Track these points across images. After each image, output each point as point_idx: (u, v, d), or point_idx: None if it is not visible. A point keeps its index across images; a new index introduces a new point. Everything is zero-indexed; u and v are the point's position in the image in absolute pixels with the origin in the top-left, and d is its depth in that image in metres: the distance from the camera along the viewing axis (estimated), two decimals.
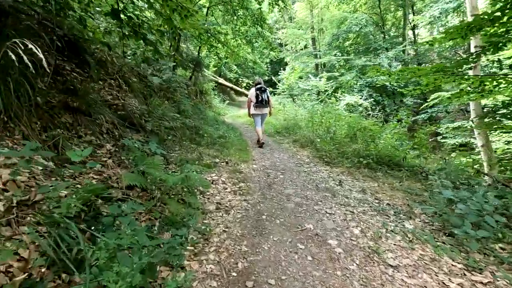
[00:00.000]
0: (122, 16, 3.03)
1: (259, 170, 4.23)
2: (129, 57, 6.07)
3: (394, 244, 2.24)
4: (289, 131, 7.63)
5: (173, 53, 7.09)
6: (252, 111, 6.05)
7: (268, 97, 5.92)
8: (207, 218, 2.50)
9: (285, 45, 21.99)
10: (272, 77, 15.41)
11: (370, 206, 3.00)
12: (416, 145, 4.70)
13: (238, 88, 16.30)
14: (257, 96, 5.86)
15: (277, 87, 14.47)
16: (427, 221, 2.70)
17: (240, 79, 17.21)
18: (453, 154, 6.98)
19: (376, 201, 3.17)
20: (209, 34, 8.92)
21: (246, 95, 14.47)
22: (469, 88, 4.21)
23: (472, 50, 7.90)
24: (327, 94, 12.69)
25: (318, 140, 5.60)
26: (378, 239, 2.30)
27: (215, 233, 2.26)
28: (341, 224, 2.54)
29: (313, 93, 12.79)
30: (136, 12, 3.83)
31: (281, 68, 19.28)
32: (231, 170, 3.99)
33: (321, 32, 18.51)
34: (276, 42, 23.52)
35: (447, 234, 2.44)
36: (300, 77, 15.51)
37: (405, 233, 2.44)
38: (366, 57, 15.54)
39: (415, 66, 4.43)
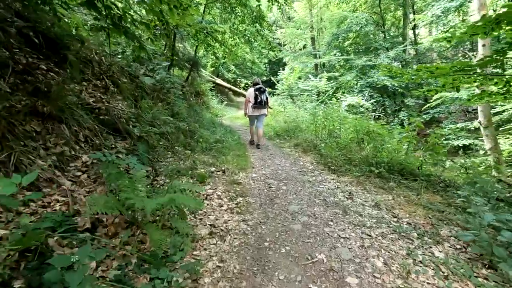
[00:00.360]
0: (99, 5, 2.57)
1: (259, 180, 3.78)
2: (119, 56, 5.60)
3: (428, 283, 1.80)
4: (290, 134, 7.19)
5: (165, 51, 6.62)
6: (250, 112, 5.84)
7: (267, 98, 5.75)
8: (198, 248, 2.05)
9: (284, 45, 21.54)
10: (271, 77, 14.95)
11: (389, 226, 2.56)
12: (431, 151, 4.26)
13: (236, 89, 15.81)
14: (256, 97, 5.63)
15: (276, 87, 14.02)
16: (458, 246, 2.26)
17: (238, 79, 16.73)
18: (467, 159, 6.54)
19: (394, 219, 2.73)
20: (206, 33, 8.47)
21: (245, 96, 13.96)
22: (493, 90, 3.79)
23: (480, 48, 7.48)
24: (328, 95, 12.26)
25: (323, 145, 5.16)
26: (407, 275, 1.86)
27: (207, 269, 1.81)
28: (358, 253, 2.10)
29: (313, 94, 12.35)
30: (119, 4, 3.36)
31: (280, 69, 18.83)
32: (228, 181, 3.54)
33: (321, 32, 18.08)
34: (275, 42, 23.09)
35: (486, 266, 2.01)
36: (299, 77, 15.07)
37: (436, 264, 2.00)
38: (367, 57, 15.12)
39: (433, 64, 4.01)
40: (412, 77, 3.88)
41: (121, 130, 3.48)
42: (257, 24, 8.04)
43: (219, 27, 8.82)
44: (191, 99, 10.85)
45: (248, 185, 3.55)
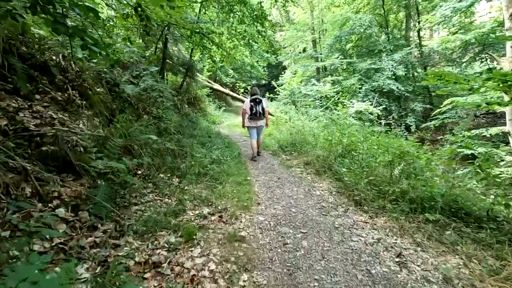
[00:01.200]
0: None
1: (268, 229, 2.72)
2: (94, 60, 4.53)
3: None
4: (297, 148, 6.14)
5: (148, 54, 5.56)
6: (247, 123, 5.59)
7: (263, 108, 5.43)
8: None
9: (284, 48, 20.51)
10: (272, 81, 13.87)
11: None
12: (484, 180, 3.23)
13: (234, 94, 14.69)
14: (251, 108, 5.34)
15: (277, 92, 12.95)
16: None
17: (237, 84, 15.54)
18: None
19: None
20: (201, 34, 7.44)
21: (243, 101, 12.87)
22: None
23: (508, 50, 6.57)
24: (333, 101, 11.22)
25: (344, 169, 4.10)
26: None
27: None
28: None
29: (317, 99, 11.33)
30: None
31: (281, 72, 17.76)
32: (225, 235, 2.47)
33: (322, 34, 17.08)
34: (276, 44, 22.05)
35: None
36: (300, 81, 14.03)
37: None
38: (371, 59, 14.10)
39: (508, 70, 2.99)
40: (473, 87, 2.85)
41: (74, 166, 2.41)
42: (257, 24, 7.00)
43: (216, 28, 7.79)
44: (186, 107, 9.80)
45: (254, 241, 2.48)
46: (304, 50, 19.10)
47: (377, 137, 5.08)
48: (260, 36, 7.17)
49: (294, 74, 12.94)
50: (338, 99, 11.07)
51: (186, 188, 3.47)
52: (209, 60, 8.50)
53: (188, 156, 4.47)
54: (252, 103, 5.33)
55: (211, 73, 11.57)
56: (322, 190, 3.87)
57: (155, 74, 5.93)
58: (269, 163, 5.38)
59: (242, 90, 14.76)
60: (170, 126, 4.83)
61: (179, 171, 3.89)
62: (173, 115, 5.39)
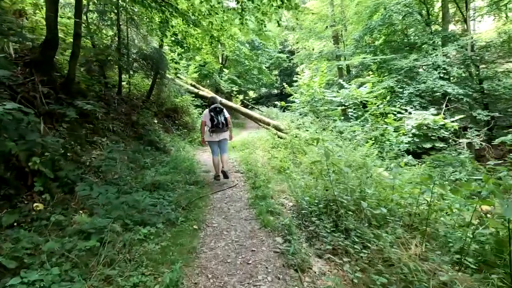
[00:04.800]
0: None
1: None
2: None
3: None
4: (349, 232, 2.02)
5: None
6: (208, 137, 4.14)
7: (226, 119, 4.12)
8: None
9: (297, 51, 16.46)
10: (285, 85, 9.80)
11: None
12: None
13: (230, 103, 10.47)
14: (212, 119, 3.97)
15: (293, 100, 8.89)
16: None
17: (235, 90, 11.47)
18: None
19: None
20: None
21: (241, 111, 8.88)
22: None
23: None
24: (373, 110, 6.95)
25: None
26: None
27: None
28: None
29: (352, 107, 7.19)
30: None
31: (294, 79, 13.78)
32: None
33: (344, 29, 12.91)
34: (285, 49, 18.06)
35: None
36: (322, 83, 9.88)
37: None
38: (417, 54, 9.75)
39: None
40: None
41: None
42: None
43: None
44: (155, 122, 5.95)
45: None
46: (320, 53, 15.06)
47: None
48: None
49: (317, 73, 8.77)
50: (384, 107, 6.79)
51: None
52: (176, 47, 4.63)
53: None
54: (212, 113, 3.96)
55: (198, 72, 7.73)
56: None
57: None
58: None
59: (241, 98, 10.69)
60: None
61: None
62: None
